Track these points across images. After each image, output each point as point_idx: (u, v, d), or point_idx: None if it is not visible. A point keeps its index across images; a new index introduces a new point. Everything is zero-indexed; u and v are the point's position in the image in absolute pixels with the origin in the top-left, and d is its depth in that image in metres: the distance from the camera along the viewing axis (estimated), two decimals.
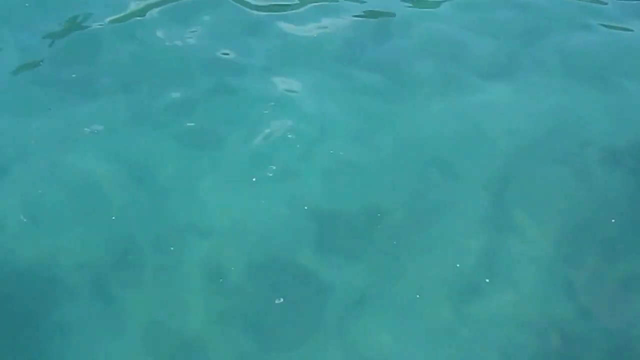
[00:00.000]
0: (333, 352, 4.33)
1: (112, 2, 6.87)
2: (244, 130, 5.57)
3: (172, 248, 4.76)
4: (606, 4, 7.09)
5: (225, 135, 5.53)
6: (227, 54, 6.37)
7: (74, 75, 6.04)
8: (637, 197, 5.20)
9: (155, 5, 6.85)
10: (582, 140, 5.60)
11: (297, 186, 5.19)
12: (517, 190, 5.22)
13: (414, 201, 5.13)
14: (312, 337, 4.38)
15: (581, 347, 4.40)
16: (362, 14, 6.93)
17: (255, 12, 6.84)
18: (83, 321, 4.38)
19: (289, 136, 5.53)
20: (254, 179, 5.20)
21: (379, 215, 5.01)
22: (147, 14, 6.74)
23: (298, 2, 6.98)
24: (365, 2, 7.07)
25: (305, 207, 5.05)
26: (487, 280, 4.68)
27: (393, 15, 6.90)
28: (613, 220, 5.04)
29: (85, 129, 5.53)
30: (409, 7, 7.01)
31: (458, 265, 4.74)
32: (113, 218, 4.92)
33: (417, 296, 4.58)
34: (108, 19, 6.65)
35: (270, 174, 5.24)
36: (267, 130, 5.57)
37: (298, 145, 5.46)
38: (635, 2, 7.11)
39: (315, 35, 6.60)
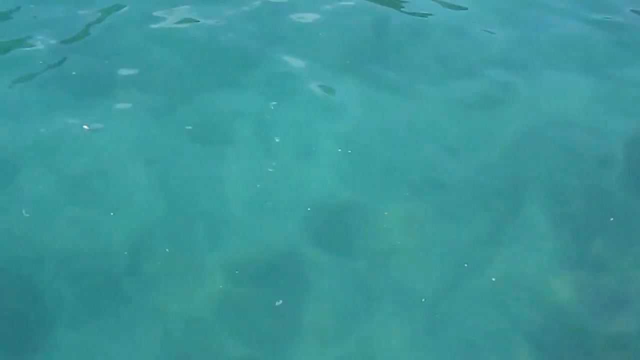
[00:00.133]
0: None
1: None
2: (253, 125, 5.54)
3: (167, 250, 4.67)
4: None
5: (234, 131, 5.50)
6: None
7: (74, 73, 5.97)
8: None
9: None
10: None
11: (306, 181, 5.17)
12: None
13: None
14: (312, 337, 4.29)
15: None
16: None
17: None
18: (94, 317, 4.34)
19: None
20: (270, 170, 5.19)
21: (386, 214, 4.92)
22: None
23: None
24: None
25: (308, 209, 4.97)
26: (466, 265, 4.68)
27: None
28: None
29: (95, 124, 5.47)
30: None
31: (466, 265, 4.69)
32: (111, 214, 4.85)
33: (423, 300, 4.47)
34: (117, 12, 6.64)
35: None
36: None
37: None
38: None
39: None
